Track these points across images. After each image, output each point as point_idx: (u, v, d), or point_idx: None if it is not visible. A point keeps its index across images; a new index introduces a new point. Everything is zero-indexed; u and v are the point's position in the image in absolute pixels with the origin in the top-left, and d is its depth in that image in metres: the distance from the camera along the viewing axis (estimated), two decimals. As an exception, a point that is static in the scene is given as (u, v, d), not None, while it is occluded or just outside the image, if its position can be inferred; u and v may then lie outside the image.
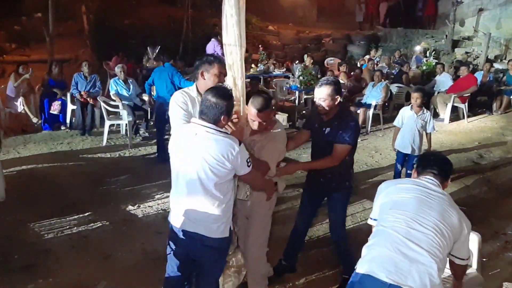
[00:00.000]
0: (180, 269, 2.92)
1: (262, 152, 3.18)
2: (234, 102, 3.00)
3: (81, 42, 14.09)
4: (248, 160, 2.70)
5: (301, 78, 9.59)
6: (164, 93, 6.85)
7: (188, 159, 2.68)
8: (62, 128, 8.38)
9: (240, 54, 3.02)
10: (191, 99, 3.23)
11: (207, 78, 3.21)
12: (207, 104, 2.67)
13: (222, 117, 2.66)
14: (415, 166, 2.81)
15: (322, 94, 3.38)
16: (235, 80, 3.09)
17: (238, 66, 3.01)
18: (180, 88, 6.51)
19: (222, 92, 2.73)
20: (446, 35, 14.63)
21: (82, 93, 8.06)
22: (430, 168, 2.68)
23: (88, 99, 8.05)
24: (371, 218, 2.74)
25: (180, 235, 2.79)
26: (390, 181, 2.81)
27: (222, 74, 3.21)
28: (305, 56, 12.19)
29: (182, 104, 3.17)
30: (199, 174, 2.65)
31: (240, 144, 2.67)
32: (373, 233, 2.55)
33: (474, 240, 3.10)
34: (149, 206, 5.10)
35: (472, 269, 3.15)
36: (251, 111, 3.08)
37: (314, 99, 3.48)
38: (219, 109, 2.64)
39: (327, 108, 3.39)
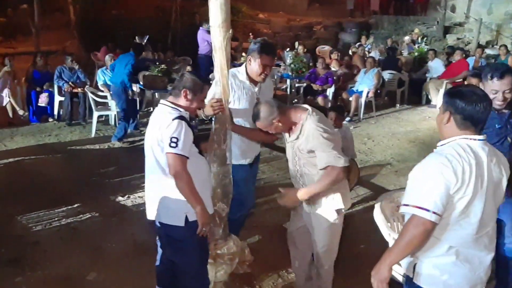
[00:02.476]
0: (164, 259, 2.86)
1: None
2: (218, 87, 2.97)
3: (68, 34, 13.88)
4: (174, 141, 2.42)
5: (292, 66, 9.50)
6: (116, 77, 7.02)
7: (146, 140, 2.64)
8: (50, 120, 8.23)
9: (224, 36, 2.94)
10: (237, 82, 3.19)
11: (252, 65, 3.16)
12: (178, 78, 2.68)
13: (184, 90, 2.55)
14: (444, 103, 2.02)
15: (509, 85, 2.80)
16: (221, 64, 3.00)
17: (222, 49, 2.94)
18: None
19: (197, 74, 2.75)
20: (438, 21, 14.55)
21: (67, 86, 7.92)
22: (478, 121, 1.95)
23: (79, 89, 7.92)
24: (429, 210, 1.84)
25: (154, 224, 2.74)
26: (443, 163, 1.87)
27: (268, 66, 3.13)
28: (296, 43, 12.10)
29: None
30: (150, 154, 2.59)
31: (181, 120, 2.46)
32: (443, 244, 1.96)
33: None
34: (139, 197, 5.00)
35: None
36: None
37: (496, 92, 2.81)
38: (184, 82, 2.58)
39: (508, 100, 2.85)
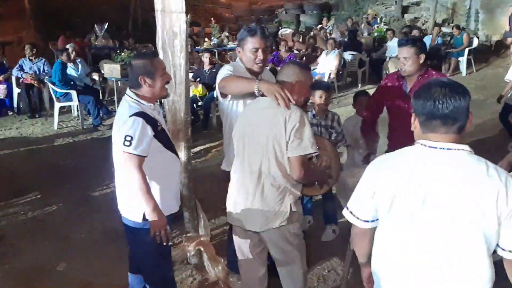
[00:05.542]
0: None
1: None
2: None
3: (24, 23, 13.34)
4: (128, 139, 2.34)
5: (254, 49, 9.54)
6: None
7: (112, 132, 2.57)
8: (10, 113, 8.03)
9: (185, 21, 2.99)
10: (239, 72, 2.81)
11: (244, 55, 2.82)
12: (129, 70, 2.56)
13: (140, 77, 2.44)
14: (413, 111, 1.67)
15: None
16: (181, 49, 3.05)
17: (183, 34, 2.98)
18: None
19: (140, 54, 2.68)
20: (396, 1, 14.85)
21: (26, 75, 7.69)
22: (441, 121, 1.54)
23: (33, 81, 7.68)
24: (356, 217, 1.79)
25: None
26: (384, 161, 1.73)
27: (258, 49, 2.75)
28: (258, 27, 12.12)
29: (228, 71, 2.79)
30: (114, 147, 2.52)
31: (138, 117, 2.35)
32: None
33: None
34: (105, 186, 4.98)
35: None
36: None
37: None
38: (135, 70, 2.47)
39: None
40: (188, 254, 3.40)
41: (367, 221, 1.76)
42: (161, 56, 3.08)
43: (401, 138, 2.14)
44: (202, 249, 3.28)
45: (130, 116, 2.36)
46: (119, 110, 2.51)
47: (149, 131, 2.40)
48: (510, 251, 1.51)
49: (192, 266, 3.49)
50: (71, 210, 4.53)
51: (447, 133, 1.55)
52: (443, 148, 1.54)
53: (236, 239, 2.76)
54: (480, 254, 1.52)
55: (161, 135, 2.52)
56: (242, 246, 2.74)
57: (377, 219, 1.73)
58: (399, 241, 1.63)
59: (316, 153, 2.44)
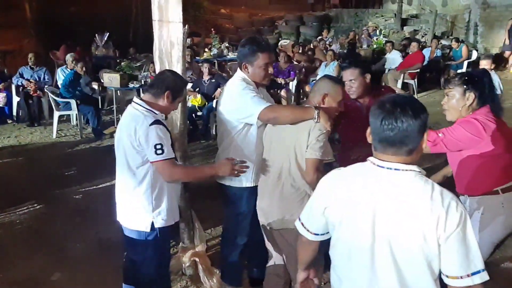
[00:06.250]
0: (129, 257, 2.86)
1: None
2: None
3: (25, 32, 13.45)
4: (159, 147, 2.36)
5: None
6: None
7: (117, 141, 2.57)
8: (9, 121, 8.04)
9: (184, 32, 3.00)
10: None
11: (253, 70, 2.68)
12: (157, 77, 2.60)
13: (168, 91, 2.46)
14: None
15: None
16: (179, 60, 3.05)
17: (180, 45, 2.98)
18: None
19: (179, 75, 2.65)
20: (395, 14, 14.96)
21: (26, 82, 7.70)
22: (387, 143, 1.50)
23: (30, 89, 7.69)
24: (306, 229, 1.78)
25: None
26: (335, 176, 1.70)
27: (269, 64, 2.70)
28: (259, 38, 12.20)
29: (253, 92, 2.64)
30: (122, 156, 2.52)
31: (158, 124, 2.39)
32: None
33: None
34: (102, 196, 4.93)
35: None
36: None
37: None
38: (167, 82, 2.49)
39: None
40: (183, 265, 3.38)
41: (317, 234, 1.76)
42: (157, 66, 3.09)
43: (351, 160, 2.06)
44: (197, 260, 3.28)
45: (151, 125, 2.38)
46: (129, 119, 2.48)
47: (169, 135, 2.49)
48: (447, 276, 1.48)
49: (187, 277, 3.46)
50: (67, 220, 4.50)
51: (395, 154, 1.51)
52: (391, 168, 1.51)
53: (266, 241, 2.83)
54: (424, 276, 1.50)
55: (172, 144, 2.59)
56: (269, 248, 2.81)
57: (327, 233, 1.73)
58: (349, 258, 1.62)
59: (332, 161, 2.53)
